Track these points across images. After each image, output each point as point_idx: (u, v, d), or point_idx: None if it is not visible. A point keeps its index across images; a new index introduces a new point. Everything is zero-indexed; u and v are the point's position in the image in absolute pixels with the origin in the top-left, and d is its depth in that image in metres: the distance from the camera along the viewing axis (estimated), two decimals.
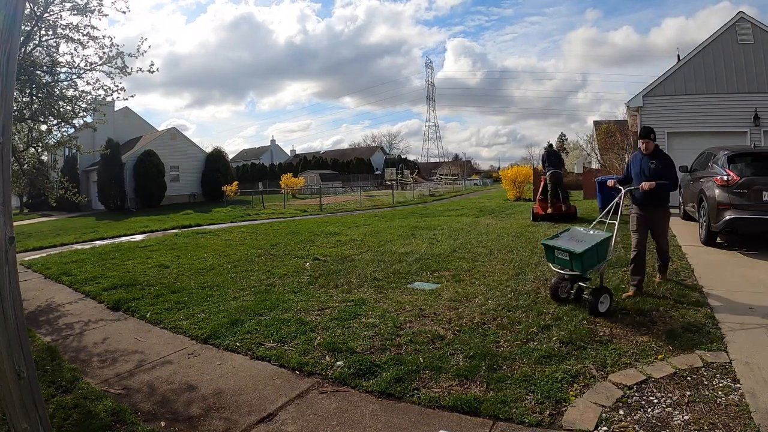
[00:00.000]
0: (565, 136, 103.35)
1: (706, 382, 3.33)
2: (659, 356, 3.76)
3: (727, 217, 7.95)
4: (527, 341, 4.20)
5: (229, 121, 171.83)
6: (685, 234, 9.77)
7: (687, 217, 11.41)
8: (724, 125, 14.86)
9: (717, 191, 8.26)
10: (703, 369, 3.51)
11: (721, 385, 3.28)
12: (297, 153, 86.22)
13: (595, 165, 30.92)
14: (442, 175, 64.34)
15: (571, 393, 3.27)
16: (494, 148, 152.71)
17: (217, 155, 40.51)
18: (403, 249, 9.43)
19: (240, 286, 6.96)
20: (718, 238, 8.59)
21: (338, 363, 4.04)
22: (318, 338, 4.63)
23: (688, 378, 3.40)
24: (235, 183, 42.17)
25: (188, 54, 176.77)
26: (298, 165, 69.26)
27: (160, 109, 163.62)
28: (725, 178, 8.17)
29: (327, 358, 4.18)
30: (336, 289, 6.55)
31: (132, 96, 22.83)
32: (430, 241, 10.46)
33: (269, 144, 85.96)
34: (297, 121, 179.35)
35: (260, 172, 63.55)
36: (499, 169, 79.48)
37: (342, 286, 6.64)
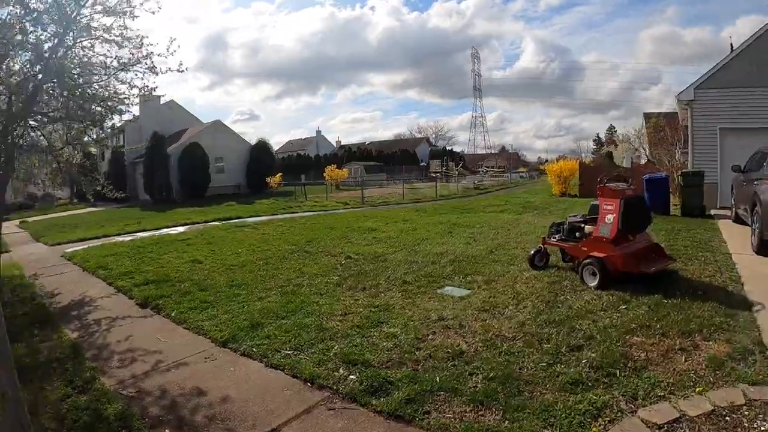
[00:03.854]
0: (614, 128, 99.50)
1: (746, 424, 2.93)
2: (698, 388, 3.33)
3: None
4: (554, 363, 3.87)
5: (302, 113, 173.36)
6: (736, 239, 9.00)
7: (739, 220, 10.54)
8: None
9: None
10: (744, 408, 3.09)
11: (763, 429, 2.88)
12: (342, 144, 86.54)
13: (643, 160, 29.32)
14: (487, 167, 63.28)
15: (594, 429, 2.95)
16: (551, 140, 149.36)
17: (262, 147, 40.95)
18: (438, 248, 9.17)
19: (268, 285, 6.91)
20: None
21: (351, 377, 3.86)
22: (335, 347, 4.47)
23: (727, 418, 3.00)
24: (279, 174, 42.72)
25: (273, 45, 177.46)
26: (343, 156, 69.60)
27: (234, 99, 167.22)
28: None
29: (341, 370, 4.01)
30: (363, 291, 6.38)
31: (163, 95, 23.33)
32: (468, 240, 10.13)
33: (315, 135, 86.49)
34: (367, 112, 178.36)
35: (305, 164, 64.08)
36: (546, 161, 77.29)
37: (370, 289, 6.47)
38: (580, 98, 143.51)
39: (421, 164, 67.72)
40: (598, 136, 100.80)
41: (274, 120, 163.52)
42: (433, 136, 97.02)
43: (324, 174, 53.38)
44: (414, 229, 12.23)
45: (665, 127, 19.95)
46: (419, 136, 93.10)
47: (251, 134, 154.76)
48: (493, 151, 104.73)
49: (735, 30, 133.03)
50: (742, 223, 10.18)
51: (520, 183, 47.16)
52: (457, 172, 48.29)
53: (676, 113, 20.64)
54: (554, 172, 24.33)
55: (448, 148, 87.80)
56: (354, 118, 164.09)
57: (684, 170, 13.63)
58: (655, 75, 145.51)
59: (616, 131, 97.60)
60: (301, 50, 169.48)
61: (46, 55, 6.35)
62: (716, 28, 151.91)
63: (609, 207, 6.21)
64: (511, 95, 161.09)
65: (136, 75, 7.57)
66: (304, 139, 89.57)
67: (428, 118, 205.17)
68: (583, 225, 6.88)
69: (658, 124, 22.32)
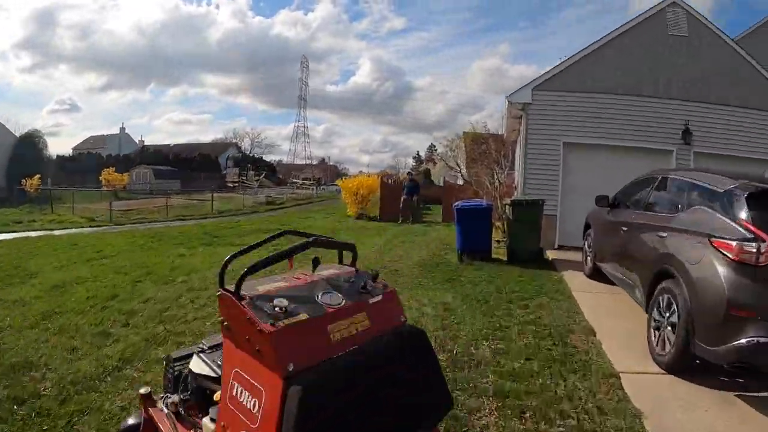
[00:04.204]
0: (434, 146, 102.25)
1: None
2: None
3: (748, 340, 3.47)
4: None
5: (128, 109, 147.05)
6: (606, 318, 5.47)
7: (598, 275, 7.49)
8: (643, 139, 11.15)
9: (724, 273, 3.70)
10: None
11: None
12: (145, 144, 74.00)
13: (460, 180, 26.35)
14: (295, 180, 58.36)
15: None
16: (376, 155, 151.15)
17: (29, 140, 30.65)
18: None
19: None
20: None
21: None
22: None
23: None
24: (37, 176, 32.76)
25: (107, 29, 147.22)
26: (136, 157, 59.46)
27: (56, 86, 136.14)
28: (748, 245, 3.63)
29: None
30: None
31: None
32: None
33: (118, 132, 74.10)
34: (196, 114, 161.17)
35: (97, 163, 52.37)
36: (368, 175, 74.07)
37: None
38: (408, 117, 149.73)
39: (224, 172, 60.08)
40: (418, 154, 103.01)
41: (97, 113, 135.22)
42: (249, 142, 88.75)
43: (100, 178, 44.01)
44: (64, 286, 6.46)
45: (488, 139, 16.22)
46: (233, 140, 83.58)
47: (69, 128, 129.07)
48: (313, 162, 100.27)
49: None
50: (605, 280, 7.06)
51: (327, 197, 42.63)
52: (257, 183, 42.47)
53: (498, 135, 17.93)
54: (350, 189, 20.23)
55: (265, 157, 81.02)
56: (182, 119, 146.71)
57: (514, 198, 9.83)
58: (481, 102, 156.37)
59: (436, 149, 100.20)
60: (136, 39, 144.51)
61: None
62: (539, 67, 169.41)
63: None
64: (343, 109, 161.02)
65: None
66: (107, 135, 75.75)
67: (256, 126, 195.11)
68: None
69: (478, 136, 18.95)
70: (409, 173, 17.31)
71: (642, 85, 11.09)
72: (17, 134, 32.56)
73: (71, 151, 72.88)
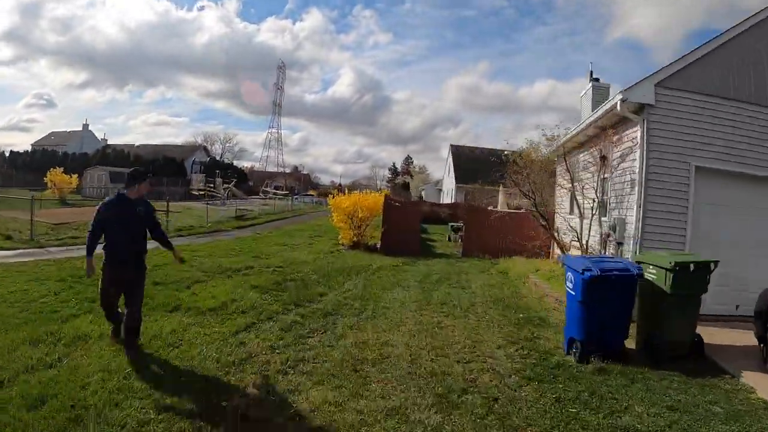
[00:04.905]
0: (411, 158, 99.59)
1: None
2: None
3: None
4: None
5: (105, 109, 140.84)
6: None
7: None
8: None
9: None
10: None
11: None
12: (109, 144, 68.33)
13: (516, 201, 21.33)
14: (267, 189, 53.50)
15: None
16: (349, 165, 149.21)
17: None
18: None
19: None
20: None
21: None
22: None
23: None
24: None
25: (91, 26, 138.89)
26: (94, 158, 54.21)
27: (34, 81, 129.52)
28: None
29: None
30: None
31: None
32: None
33: (81, 129, 69.90)
34: (173, 116, 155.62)
35: (57, 162, 47.09)
36: (340, 185, 70.08)
37: None
38: (383, 130, 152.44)
39: (188, 177, 54.72)
40: (394, 165, 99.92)
41: (72, 111, 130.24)
42: (220, 147, 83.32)
43: (45, 179, 39.00)
44: None
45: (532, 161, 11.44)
46: (202, 144, 77.82)
47: (42, 125, 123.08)
48: (286, 170, 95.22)
49: (531, 90, 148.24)
50: None
51: (305, 211, 38.17)
52: (226, 192, 37.73)
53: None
54: (344, 209, 15.87)
55: (236, 163, 75.78)
56: (159, 120, 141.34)
57: (678, 258, 5.80)
58: (457, 118, 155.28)
59: (413, 162, 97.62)
60: (118, 36, 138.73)
61: None
62: (516, 86, 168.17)
63: None
64: (320, 118, 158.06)
65: None
66: (69, 132, 71.78)
67: (233, 131, 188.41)
68: None
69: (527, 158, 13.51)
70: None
71: None
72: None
73: (30, 147, 67.99)
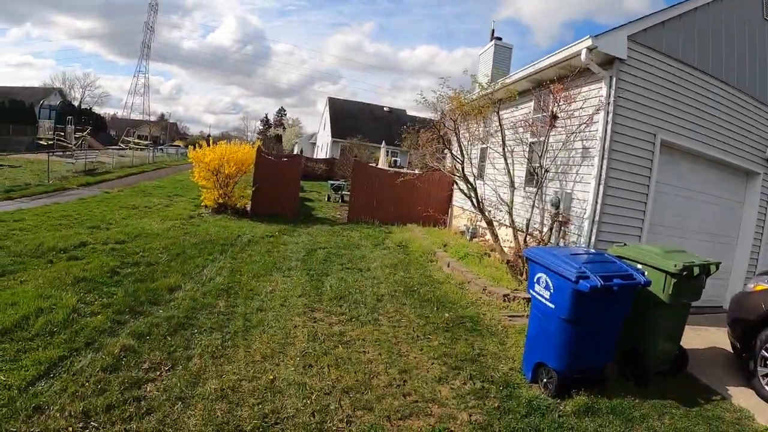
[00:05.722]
0: (284, 110, 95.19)
1: None
2: None
3: None
4: None
5: None
6: None
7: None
8: (732, 152, 7.35)
9: None
10: None
11: None
12: None
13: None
14: (128, 138, 47.10)
15: None
16: (221, 116, 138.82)
17: None
18: None
19: None
20: None
21: None
22: None
23: None
24: None
25: None
26: None
27: None
28: None
29: None
30: None
31: None
32: None
33: None
34: (39, 58, 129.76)
35: None
36: (209, 136, 62.67)
37: None
38: (260, 81, 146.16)
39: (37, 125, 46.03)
40: (266, 117, 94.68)
41: None
42: (80, 91, 71.49)
43: None
44: None
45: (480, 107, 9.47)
46: (58, 86, 65.90)
47: None
48: (151, 119, 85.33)
49: (413, 54, 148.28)
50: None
51: (166, 164, 33.29)
52: (80, 142, 32.24)
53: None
54: (207, 164, 12.82)
55: (96, 109, 65.67)
56: (21, 61, 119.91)
57: (680, 256, 4.32)
58: (336, 75, 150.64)
59: (286, 114, 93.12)
60: None
61: None
62: (396, 48, 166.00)
63: None
64: (195, 66, 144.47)
65: None
66: None
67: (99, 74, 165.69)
68: None
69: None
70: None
71: (745, 77, 7.33)
72: None
73: None
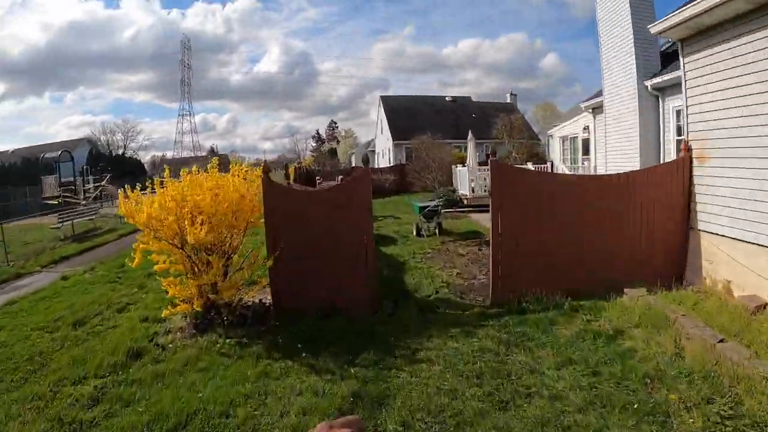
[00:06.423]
0: (336, 123, 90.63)
1: None
2: None
3: None
4: None
5: (26, 118, 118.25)
6: None
7: None
8: None
9: None
10: None
11: None
12: None
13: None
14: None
15: None
16: (277, 141, 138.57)
17: None
18: None
19: None
20: None
21: None
22: None
23: None
24: None
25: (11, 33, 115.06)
26: None
27: None
28: None
29: None
30: None
31: None
32: None
33: None
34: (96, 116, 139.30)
35: None
36: (265, 162, 55.40)
37: None
38: (311, 101, 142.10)
39: (65, 179, 40.85)
40: (317, 133, 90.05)
41: None
42: (121, 138, 66.33)
43: None
44: None
45: None
46: (93, 137, 61.68)
47: None
48: (200, 154, 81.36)
49: (456, 49, 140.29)
50: None
51: None
52: (96, 192, 26.98)
53: None
54: (149, 225, 6.01)
55: (142, 155, 62.06)
56: (81, 121, 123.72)
57: None
58: (384, 83, 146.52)
59: (337, 126, 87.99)
60: (38, 40, 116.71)
61: None
62: (439, 46, 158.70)
63: None
64: (247, 98, 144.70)
65: None
66: None
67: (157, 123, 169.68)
68: None
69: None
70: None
71: None
72: None
73: None
